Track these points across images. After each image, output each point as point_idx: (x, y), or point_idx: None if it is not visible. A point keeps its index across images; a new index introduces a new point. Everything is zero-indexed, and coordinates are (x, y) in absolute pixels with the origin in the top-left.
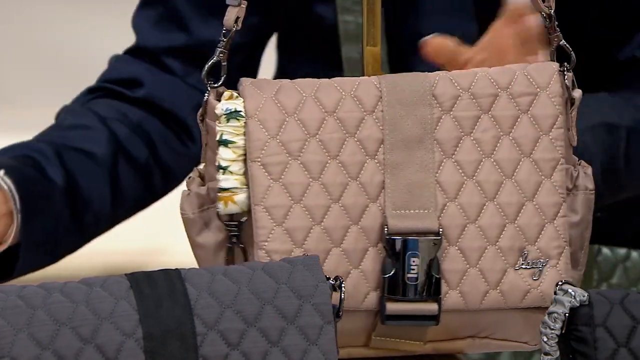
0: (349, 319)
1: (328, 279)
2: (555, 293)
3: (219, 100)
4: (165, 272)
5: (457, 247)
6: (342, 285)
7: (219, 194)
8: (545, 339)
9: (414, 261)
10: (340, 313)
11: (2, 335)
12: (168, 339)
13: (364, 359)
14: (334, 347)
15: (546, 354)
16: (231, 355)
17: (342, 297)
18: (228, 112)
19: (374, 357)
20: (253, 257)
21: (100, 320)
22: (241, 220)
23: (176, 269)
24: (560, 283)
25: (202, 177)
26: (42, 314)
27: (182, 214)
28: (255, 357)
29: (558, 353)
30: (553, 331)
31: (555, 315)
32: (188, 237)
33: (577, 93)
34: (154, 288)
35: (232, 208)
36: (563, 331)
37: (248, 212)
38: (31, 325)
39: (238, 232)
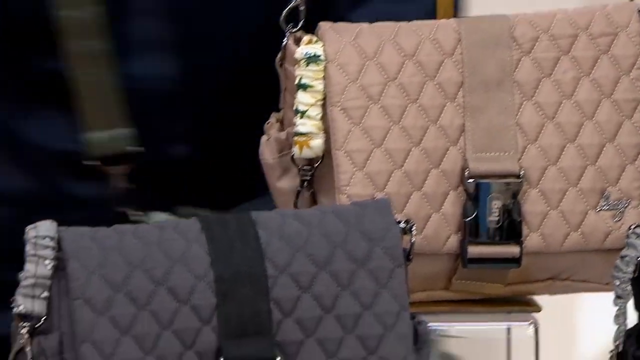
0: (429, 263)
1: (399, 222)
2: (627, 237)
3: (298, 45)
4: (237, 215)
5: (537, 190)
6: (413, 228)
7: (295, 139)
8: (617, 283)
9: (494, 204)
10: (411, 257)
11: (76, 277)
12: (239, 281)
13: (445, 301)
14: (404, 291)
15: (618, 297)
16: (302, 298)
17: (413, 240)
18: (307, 56)
19: (454, 300)
20: (323, 204)
21: (173, 263)
22: (315, 165)
23: (247, 212)
24: (633, 227)
25: (280, 122)
26: (115, 255)
27: (261, 159)
28: (326, 300)
29: (631, 296)
30: (625, 274)
31: (628, 259)
32: (268, 182)
33: None
34: (225, 231)
35: (307, 153)
36: (636, 274)
37: (322, 157)
38: (104, 267)
39: (312, 176)
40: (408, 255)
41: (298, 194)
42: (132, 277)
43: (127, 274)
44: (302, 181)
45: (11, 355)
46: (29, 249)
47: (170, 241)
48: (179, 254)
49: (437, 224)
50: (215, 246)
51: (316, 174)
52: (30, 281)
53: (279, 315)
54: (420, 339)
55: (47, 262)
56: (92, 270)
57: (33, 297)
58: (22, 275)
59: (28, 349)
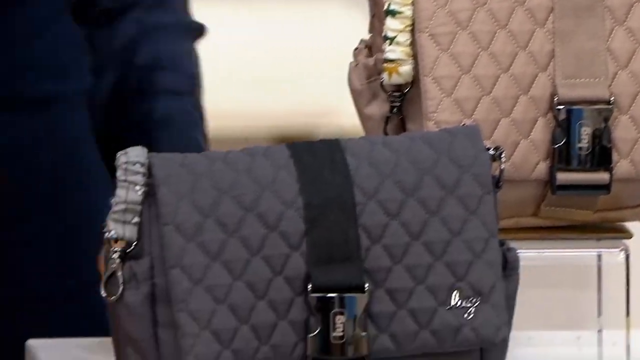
0: (518, 189)
1: (488, 149)
2: None
3: None
4: (325, 141)
5: (628, 116)
6: (502, 155)
7: (385, 65)
8: None
9: (584, 130)
10: (500, 183)
11: (166, 203)
12: (328, 208)
13: (534, 228)
14: (493, 217)
15: None
16: (390, 225)
17: (502, 167)
18: None
19: (543, 227)
20: (411, 131)
21: (262, 189)
22: (405, 91)
23: (336, 138)
24: None
25: (369, 48)
26: (205, 181)
27: (350, 85)
28: (415, 227)
29: None
30: None
31: None
32: (356, 108)
33: None
34: (314, 157)
35: (397, 79)
36: None
37: (412, 83)
38: (194, 193)
39: (401, 102)
40: (497, 182)
41: (387, 120)
42: (221, 203)
43: (216, 200)
44: (392, 107)
45: (103, 280)
46: (119, 174)
47: (259, 168)
48: (268, 181)
49: (526, 151)
50: (304, 173)
51: (405, 100)
52: (121, 207)
53: (367, 241)
54: (509, 266)
55: (137, 187)
56: (182, 196)
57: (124, 222)
58: (113, 200)
59: (119, 273)
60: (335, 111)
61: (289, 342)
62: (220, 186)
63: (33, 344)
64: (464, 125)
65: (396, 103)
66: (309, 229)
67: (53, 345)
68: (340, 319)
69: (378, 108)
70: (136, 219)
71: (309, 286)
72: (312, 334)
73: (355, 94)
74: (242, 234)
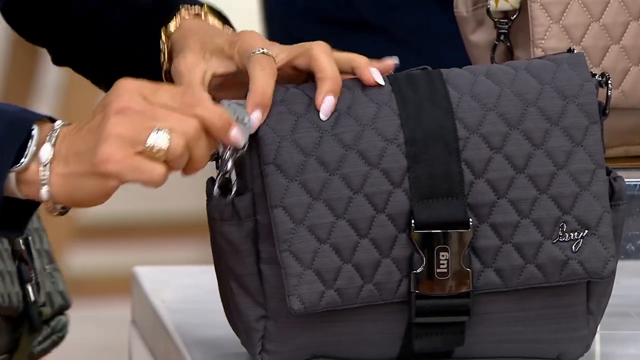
0: (627, 117)
1: (594, 75)
2: None
3: None
4: (427, 73)
5: None
6: (609, 81)
7: None
8: None
9: None
10: (607, 111)
11: (267, 142)
12: (430, 143)
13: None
14: (600, 148)
15: None
16: (494, 159)
17: (609, 94)
18: None
19: None
20: (519, 58)
21: (362, 127)
22: (512, 17)
23: (437, 70)
24: None
25: None
26: (305, 121)
27: (455, 12)
28: (519, 160)
29: None
30: None
31: None
32: (462, 35)
33: None
34: (415, 91)
35: (504, 5)
36: None
37: (519, 10)
38: (295, 132)
39: (508, 29)
40: (604, 110)
41: (494, 47)
42: (322, 142)
43: (317, 139)
44: (498, 34)
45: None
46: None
47: (359, 104)
48: (369, 118)
49: (636, 78)
50: (405, 107)
51: (512, 27)
52: None
53: (470, 176)
54: (615, 196)
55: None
56: (283, 135)
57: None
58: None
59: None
60: None
61: (393, 279)
62: (321, 125)
63: (139, 271)
64: (569, 51)
65: (503, 30)
66: (411, 165)
67: (158, 273)
68: (444, 255)
69: (484, 35)
70: (248, 119)
71: (412, 223)
72: (416, 271)
73: (461, 20)
74: (343, 172)
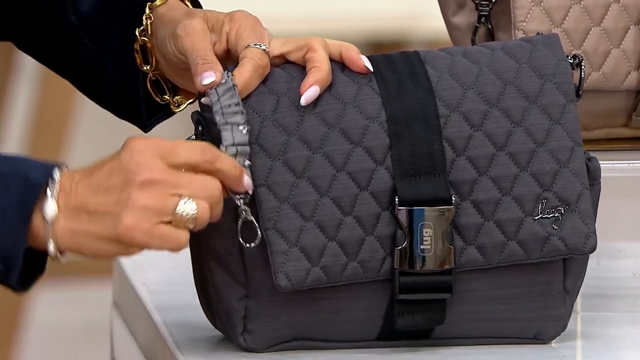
0: (608, 100)
1: (567, 57)
2: None
3: None
4: (405, 54)
5: None
6: (582, 63)
7: None
8: None
9: None
10: (581, 92)
11: (249, 123)
12: (411, 121)
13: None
14: (577, 126)
15: None
16: (474, 137)
17: (583, 75)
18: None
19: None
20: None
21: (344, 105)
22: (493, 0)
23: (415, 51)
24: None
25: None
26: (286, 100)
27: None
28: (499, 137)
29: None
30: None
31: None
32: (444, 17)
33: None
34: (394, 71)
35: None
36: None
37: None
38: (276, 112)
39: (489, 12)
40: (577, 91)
41: (475, 30)
42: (304, 120)
43: (299, 117)
44: (480, 17)
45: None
46: (219, 119)
47: (340, 84)
48: (350, 97)
49: (617, 61)
50: (386, 87)
51: (494, 10)
52: (232, 150)
53: (451, 154)
54: (590, 175)
55: (241, 127)
56: (265, 115)
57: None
58: (222, 146)
59: (251, 218)
60: (427, 14)
61: (377, 257)
62: (303, 105)
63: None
64: (539, 34)
65: (484, 12)
66: (393, 143)
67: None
68: (427, 232)
69: (465, 18)
70: (248, 162)
71: (396, 200)
72: (399, 247)
73: (442, 2)
74: (326, 150)
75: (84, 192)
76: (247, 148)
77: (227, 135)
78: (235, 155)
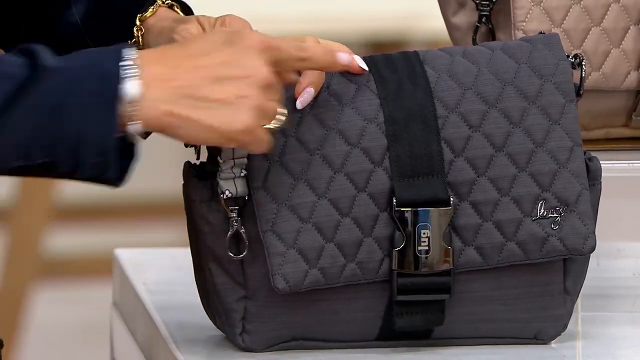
0: (608, 99)
1: (568, 56)
2: None
3: None
4: (404, 54)
5: None
6: (583, 62)
7: None
8: None
9: None
10: (581, 92)
11: None
12: (409, 122)
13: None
14: (576, 126)
15: None
16: (473, 137)
17: (583, 75)
18: None
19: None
20: (500, 40)
21: (342, 106)
22: (494, 0)
23: (414, 51)
24: None
25: None
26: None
27: None
28: (497, 138)
29: None
30: None
31: None
32: (443, 17)
33: None
34: (393, 72)
35: None
36: None
37: None
38: None
39: (490, 11)
40: (578, 91)
41: (476, 29)
42: (302, 122)
43: (297, 119)
44: (480, 16)
45: (226, 241)
46: None
47: (338, 84)
48: (348, 98)
49: (617, 60)
50: (384, 87)
51: (494, 9)
52: (230, 164)
53: (450, 155)
54: (591, 175)
55: None
56: None
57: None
58: (221, 161)
59: (242, 230)
60: (427, 14)
61: (375, 258)
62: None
63: (120, 252)
64: (541, 33)
65: (485, 12)
66: (391, 144)
67: (139, 255)
68: (425, 233)
69: (466, 17)
70: (244, 172)
71: (394, 201)
72: (397, 249)
73: (442, 2)
74: (323, 152)
75: (192, 76)
76: (245, 160)
77: (227, 152)
78: (232, 167)
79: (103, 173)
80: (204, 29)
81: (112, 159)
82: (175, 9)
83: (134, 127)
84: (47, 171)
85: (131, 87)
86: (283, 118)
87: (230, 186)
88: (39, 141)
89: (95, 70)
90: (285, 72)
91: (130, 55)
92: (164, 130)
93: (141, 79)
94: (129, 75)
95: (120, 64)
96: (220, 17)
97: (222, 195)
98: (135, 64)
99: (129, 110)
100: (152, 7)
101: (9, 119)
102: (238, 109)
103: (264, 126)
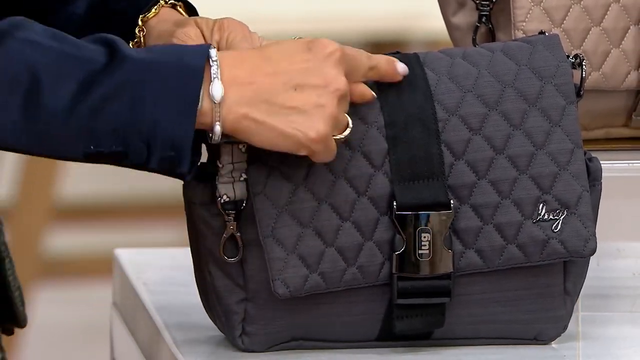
0: (608, 99)
1: (568, 56)
2: None
3: None
4: (404, 56)
5: None
6: (584, 63)
7: None
8: None
9: None
10: (582, 92)
11: None
12: (409, 125)
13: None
14: (577, 128)
15: None
16: (473, 140)
17: (584, 75)
18: None
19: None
20: (500, 40)
21: None
22: (494, 0)
23: (414, 53)
24: None
25: None
26: None
27: None
28: (498, 141)
29: None
30: None
31: None
32: (443, 17)
33: None
34: None
35: None
36: None
37: None
38: None
39: (490, 11)
40: (579, 92)
41: (476, 29)
42: None
43: None
44: (480, 16)
45: (220, 244)
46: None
47: None
48: None
49: (617, 60)
50: (384, 91)
51: (494, 9)
52: (229, 168)
53: (450, 158)
54: (591, 176)
55: (241, 145)
56: None
57: (233, 182)
58: (220, 164)
59: (238, 234)
60: (427, 14)
61: (376, 262)
62: None
63: (120, 252)
64: (542, 33)
65: (485, 12)
66: (391, 148)
67: (139, 255)
68: (425, 237)
69: (466, 17)
70: (244, 176)
71: (394, 205)
72: (397, 252)
73: (442, 2)
74: None
75: (271, 81)
76: (244, 164)
77: (226, 157)
78: (231, 171)
79: (174, 167)
80: (202, 32)
81: (185, 154)
82: (179, 8)
83: (214, 128)
84: (119, 160)
85: (214, 88)
86: (349, 130)
87: (229, 190)
88: (114, 129)
89: (180, 66)
90: (354, 82)
91: (215, 55)
92: (236, 133)
93: (221, 80)
94: (213, 75)
95: (206, 63)
96: (219, 20)
97: (219, 199)
98: (219, 65)
99: (208, 110)
100: (155, 8)
101: (85, 102)
102: (314, 117)
103: (334, 136)
